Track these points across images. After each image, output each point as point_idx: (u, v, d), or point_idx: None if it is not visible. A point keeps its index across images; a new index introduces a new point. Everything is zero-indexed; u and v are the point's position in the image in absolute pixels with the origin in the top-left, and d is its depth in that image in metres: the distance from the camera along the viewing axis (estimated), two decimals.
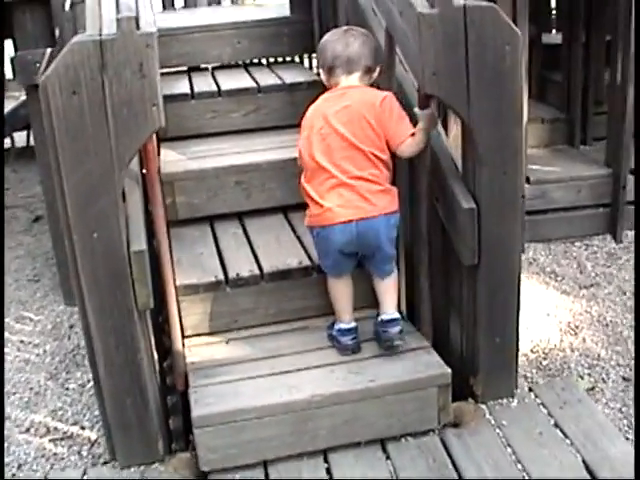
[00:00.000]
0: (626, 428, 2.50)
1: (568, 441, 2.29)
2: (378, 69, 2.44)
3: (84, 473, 2.34)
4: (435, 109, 2.30)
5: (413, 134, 2.28)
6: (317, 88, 2.70)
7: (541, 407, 2.45)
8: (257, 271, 2.59)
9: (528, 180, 3.79)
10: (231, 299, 2.58)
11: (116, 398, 2.23)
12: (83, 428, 2.67)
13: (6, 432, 2.68)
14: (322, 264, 2.49)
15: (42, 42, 3.18)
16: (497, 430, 2.35)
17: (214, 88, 3.32)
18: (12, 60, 3.26)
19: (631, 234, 3.88)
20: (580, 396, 2.51)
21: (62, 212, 2.03)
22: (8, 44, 3.68)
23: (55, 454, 2.55)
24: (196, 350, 2.51)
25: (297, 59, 4.10)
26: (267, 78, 3.46)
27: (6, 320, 3.50)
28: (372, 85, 2.45)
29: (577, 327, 3.15)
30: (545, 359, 2.93)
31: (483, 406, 2.46)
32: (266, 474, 2.24)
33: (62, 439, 2.63)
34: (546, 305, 3.32)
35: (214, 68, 3.81)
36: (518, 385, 2.54)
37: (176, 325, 2.40)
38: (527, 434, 2.32)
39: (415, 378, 2.31)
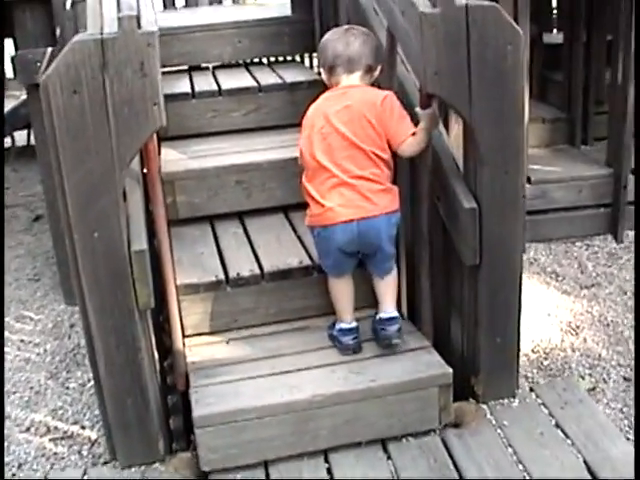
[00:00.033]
0: (627, 428, 2.50)
1: (569, 441, 2.28)
2: (379, 68, 2.44)
3: (84, 473, 2.34)
4: (436, 109, 2.30)
5: (414, 133, 2.28)
6: (318, 87, 2.69)
7: (542, 407, 2.45)
8: (257, 271, 2.59)
9: (529, 180, 3.79)
10: (231, 299, 2.57)
11: (117, 398, 2.23)
12: (83, 428, 2.67)
13: (6, 431, 2.67)
14: (323, 264, 2.48)
15: (43, 41, 3.18)
16: (498, 430, 2.35)
17: (215, 87, 3.31)
18: (13, 59, 3.25)
19: (632, 234, 3.88)
20: (581, 396, 2.51)
21: (63, 211, 2.03)
22: (9, 43, 3.68)
23: (55, 453, 2.55)
24: (197, 350, 2.51)
25: (298, 58, 4.09)
26: (268, 77, 3.46)
27: (6, 319, 3.50)
28: (373, 84, 2.45)
29: (578, 327, 3.14)
30: (546, 359, 2.93)
31: (484, 406, 2.45)
32: (267, 474, 2.24)
33: (62, 438, 2.62)
34: (547, 305, 3.32)
35: (215, 67, 3.80)
36: (519, 385, 2.54)
37: (177, 325, 2.40)
38: (528, 434, 2.32)
39: (416, 378, 2.31)
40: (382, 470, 2.22)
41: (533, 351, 2.98)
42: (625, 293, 3.38)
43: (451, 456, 2.25)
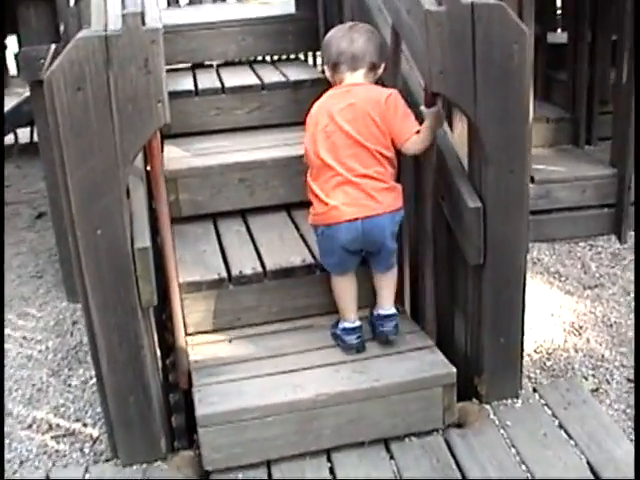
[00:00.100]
0: (630, 430, 2.49)
1: (572, 442, 2.28)
2: (383, 66, 2.43)
3: (86, 470, 2.33)
4: (441, 107, 2.29)
5: (418, 131, 2.27)
6: (321, 86, 2.69)
7: (545, 408, 2.44)
8: (260, 269, 2.58)
9: (533, 179, 3.78)
10: (234, 297, 2.57)
11: (119, 395, 2.22)
12: (85, 425, 2.67)
13: (8, 429, 2.67)
14: (325, 262, 2.48)
15: (46, 38, 3.17)
16: (501, 431, 2.34)
17: (218, 85, 3.31)
18: (16, 56, 3.25)
19: None
20: (585, 397, 2.50)
21: (66, 208, 2.03)
22: (12, 40, 3.68)
23: (57, 451, 2.55)
24: (199, 348, 2.50)
25: (302, 57, 4.09)
26: (271, 75, 3.46)
27: (9, 316, 3.50)
28: (377, 82, 2.44)
29: (581, 327, 3.14)
30: (549, 359, 2.92)
31: (487, 406, 2.45)
32: (269, 474, 2.23)
33: (64, 436, 2.62)
34: (550, 305, 3.31)
35: (219, 65, 3.80)
36: (522, 385, 2.53)
37: (179, 323, 2.39)
38: (531, 435, 2.31)
39: (420, 377, 2.30)
40: (385, 470, 2.21)
41: (536, 351, 2.97)
42: (628, 294, 3.37)
43: (454, 456, 2.25)
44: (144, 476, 2.27)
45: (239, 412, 2.20)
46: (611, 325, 3.14)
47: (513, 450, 2.26)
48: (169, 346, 2.59)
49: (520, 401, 2.47)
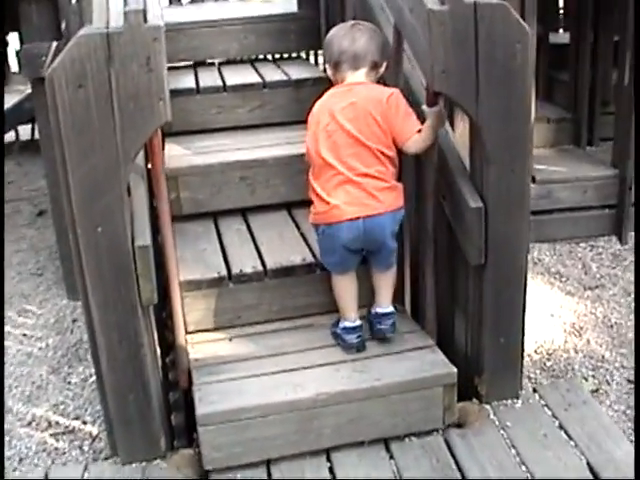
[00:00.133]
0: (630, 430, 2.49)
1: (572, 443, 2.27)
2: (385, 65, 2.42)
3: (85, 468, 2.33)
4: (443, 106, 2.28)
5: (420, 131, 2.26)
6: (323, 85, 2.68)
7: (545, 408, 2.44)
8: (260, 267, 2.58)
9: (534, 180, 3.77)
10: (234, 295, 2.57)
11: (118, 393, 2.22)
12: (85, 423, 2.67)
13: (8, 426, 2.67)
14: (325, 262, 2.47)
15: (48, 35, 3.17)
16: (501, 431, 2.34)
17: (219, 83, 3.31)
18: (18, 53, 3.25)
19: None
20: (585, 398, 2.50)
21: (67, 206, 2.02)
22: (14, 37, 3.67)
23: (56, 448, 2.55)
24: (199, 347, 2.50)
25: (304, 55, 4.08)
26: (273, 74, 3.46)
27: (9, 313, 3.50)
28: (379, 81, 2.43)
29: (581, 328, 3.13)
30: (549, 360, 2.92)
31: (487, 406, 2.44)
32: (269, 473, 2.23)
33: (63, 433, 2.62)
34: (550, 306, 3.31)
35: (220, 63, 3.79)
36: (522, 386, 2.53)
37: (179, 321, 2.39)
38: (531, 435, 2.31)
39: (421, 377, 2.30)
40: (384, 470, 2.21)
41: (536, 352, 2.97)
42: (629, 295, 3.37)
43: (454, 456, 2.24)
44: (143, 474, 2.26)
45: (239, 411, 2.20)
46: (611, 326, 3.14)
47: (513, 450, 2.25)
48: (169, 344, 2.59)
49: (520, 401, 2.47)
